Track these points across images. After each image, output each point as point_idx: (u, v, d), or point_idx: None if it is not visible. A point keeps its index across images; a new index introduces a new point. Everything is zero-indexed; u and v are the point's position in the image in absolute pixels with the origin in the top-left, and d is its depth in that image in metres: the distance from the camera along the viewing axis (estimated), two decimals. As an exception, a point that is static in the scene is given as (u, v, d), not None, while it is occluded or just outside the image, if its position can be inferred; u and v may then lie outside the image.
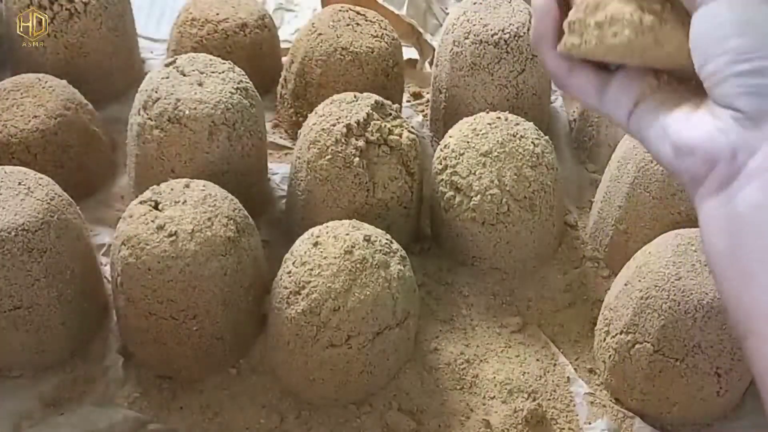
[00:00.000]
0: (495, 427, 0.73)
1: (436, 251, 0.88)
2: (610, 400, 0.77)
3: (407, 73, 1.05)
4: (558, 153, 0.89)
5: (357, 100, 0.81)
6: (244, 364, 0.77)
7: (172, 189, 0.73)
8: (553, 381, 0.77)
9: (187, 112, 0.78)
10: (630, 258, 0.76)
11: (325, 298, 0.67)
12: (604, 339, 0.76)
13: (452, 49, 0.92)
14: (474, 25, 0.91)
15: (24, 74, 0.88)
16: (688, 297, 0.68)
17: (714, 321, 0.68)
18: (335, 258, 0.68)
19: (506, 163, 0.80)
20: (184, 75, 0.81)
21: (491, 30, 0.90)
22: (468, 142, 0.82)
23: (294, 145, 0.89)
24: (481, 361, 0.78)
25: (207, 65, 0.83)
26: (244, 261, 0.72)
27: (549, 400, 0.76)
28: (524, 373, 0.77)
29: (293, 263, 0.70)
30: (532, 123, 0.84)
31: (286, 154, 0.97)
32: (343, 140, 0.78)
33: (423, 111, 1.05)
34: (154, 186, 0.74)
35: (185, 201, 0.71)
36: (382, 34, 0.93)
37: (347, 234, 0.70)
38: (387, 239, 0.72)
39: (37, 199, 0.71)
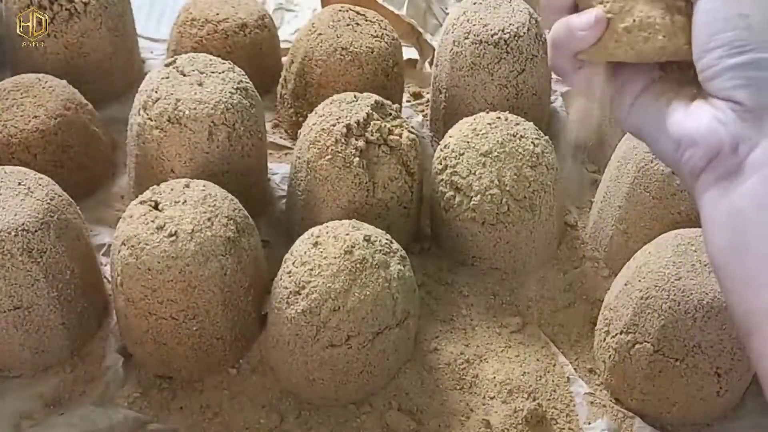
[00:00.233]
0: (495, 427, 0.73)
1: (436, 251, 0.88)
2: (610, 400, 0.77)
3: (407, 73, 1.05)
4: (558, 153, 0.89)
5: (357, 100, 0.81)
6: (244, 364, 0.77)
7: (172, 189, 0.73)
8: (553, 381, 0.77)
9: (186, 112, 0.78)
10: (630, 258, 0.76)
11: (325, 298, 0.67)
12: (604, 339, 0.76)
13: (452, 49, 0.92)
14: (474, 25, 0.91)
15: (24, 74, 0.88)
16: (688, 297, 0.68)
17: (714, 321, 0.68)
18: (335, 258, 0.68)
19: (506, 163, 0.80)
20: (184, 75, 0.81)
21: (491, 30, 0.90)
22: (468, 142, 0.82)
23: (294, 145, 0.89)
24: (481, 361, 0.78)
25: (207, 65, 0.83)
26: (244, 261, 0.72)
27: (549, 400, 0.76)
28: (524, 373, 0.77)
29: (293, 263, 0.70)
30: (532, 123, 0.84)
31: (286, 154, 0.97)
32: (343, 140, 0.78)
33: (423, 111, 1.05)
34: (154, 186, 0.74)
35: (185, 201, 0.71)
36: (382, 34, 0.93)
37: (347, 234, 0.70)
38: (387, 239, 0.72)
39: (37, 199, 0.71)
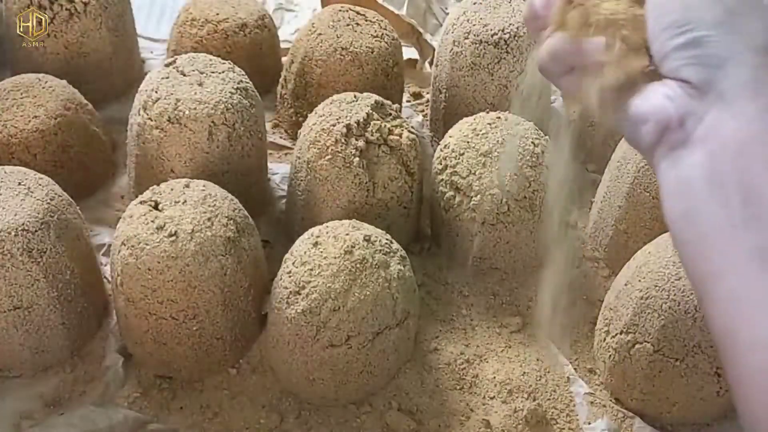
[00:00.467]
0: (495, 427, 0.73)
1: (436, 251, 0.88)
2: (610, 400, 0.77)
3: (407, 73, 1.05)
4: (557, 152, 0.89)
5: (357, 100, 0.81)
6: (244, 364, 0.77)
7: (172, 189, 0.73)
8: (553, 381, 0.77)
9: (186, 112, 0.78)
10: (630, 258, 0.76)
11: (325, 298, 0.67)
12: (604, 339, 0.76)
13: (452, 49, 0.92)
14: (474, 25, 0.91)
15: (24, 74, 0.88)
16: (688, 297, 0.68)
17: (714, 321, 0.68)
18: (335, 258, 0.68)
19: (506, 163, 0.80)
20: (184, 75, 0.81)
21: (491, 30, 0.90)
22: (468, 142, 0.82)
23: (294, 145, 0.89)
24: (481, 361, 0.78)
25: (207, 65, 0.83)
26: (244, 261, 0.72)
27: (549, 400, 0.76)
28: (524, 373, 0.77)
29: (293, 263, 0.70)
30: (532, 123, 0.84)
31: (286, 154, 0.97)
32: (343, 140, 0.78)
33: (423, 111, 1.05)
34: (154, 186, 0.74)
35: (185, 201, 0.71)
36: (382, 34, 0.93)
37: (347, 234, 0.70)
38: (387, 239, 0.72)
39: (37, 199, 0.71)
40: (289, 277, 0.69)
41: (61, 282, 0.72)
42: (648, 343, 0.71)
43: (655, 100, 0.41)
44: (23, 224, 0.69)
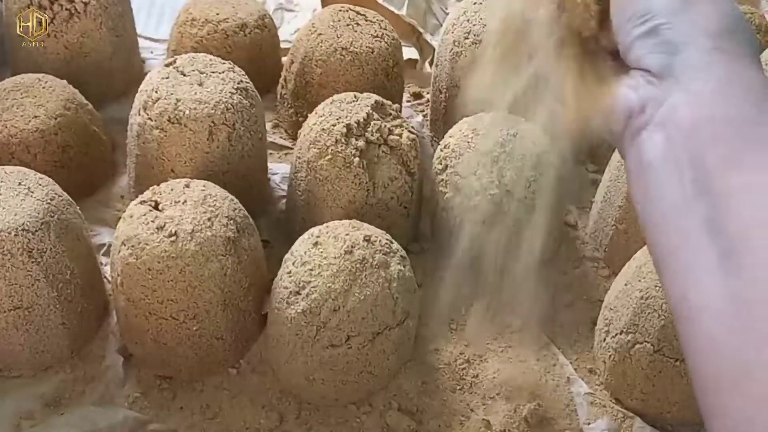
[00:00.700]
0: (495, 427, 0.73)
1: (436, 251, 0.88)
2: (610, 400, 0.77)
3: (407, 73, 1.05)
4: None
5: (357, 100, 0.81)
6: (244, 364, 0.77)
7: (172, 189, 0.73)
8: (553, 381, 0.77)
9: (187, 112, 0.78)
10: (630, 258, 0.76)
11: (325, 298, 0.67)
12: (604, 339, 0.76)
13: (452, 49, 0.92)
14: (474, 25, 0.91)
15: (24, 74, 0.88)
16: (688, 297, 0.68)
17: (714, 321, 0.68)
18: (335, 258, 0.68)
19: (506, 163, 0.80)
20: (184, 75, 0.81)
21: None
22: (468, 142, 0.82)
23: (294, 145, 0.89)
24: (481, 361, 0.78)
25: (207, 65, 0.83)
26: (244, 261, 0.72)
27: (549, 400, 0.76)
28: (524, 373, 0.77)
29: (293, 263, 0.70)
30: (532, 123, 0.84)
31: (286, 154, 0.97)
32: (343, 140, 0.78)
33: (423, 111, 1.05)
34: (154, 186, 0.74)
35: (185, 201, 0.71)
36: (382, 34, 0.93)
37: (347, 234, 0.70)
38: (387, 239, 0.72)
39: (37, 199, 0.71)
40: (289, 277, 0.69)
41: (61, 282, 0.72)
42: (648, 343, 0.71)
43: (619, 91, 0.43)
44: (23, 224, 0.69)
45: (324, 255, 0.69)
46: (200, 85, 0.80)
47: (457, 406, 0.75)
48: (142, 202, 0.72)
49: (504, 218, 0.81)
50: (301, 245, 0.71)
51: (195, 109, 0.79)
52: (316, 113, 0.82)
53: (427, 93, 1.05)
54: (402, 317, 0.71)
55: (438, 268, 0.86)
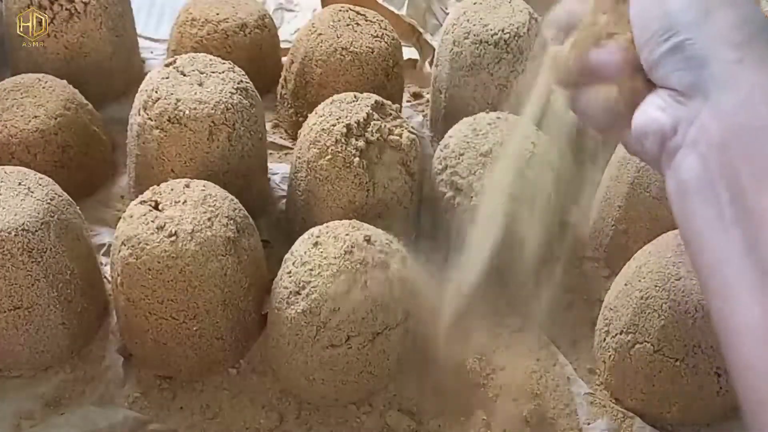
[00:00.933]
0: (495, 427, 0.73)
1: (436, 251, 0.88)
2: (610, 400, 0.77)
3: (407, 73, 1.05)
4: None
5: (357, 100, 0.81)
6: (244, 364, 0.77)
7: (172, 189, 0.73)
8: (553, 381, 0.77)
9: (187, 112, 0.78)
10: (630, 258, 0.76)
11: (325, 298, 0.67)
12: (604, 339, 0.76)
13: (452, 49, 0.92)
14: (474, 25, 0.91)
15: (24, 74, 0.88)
16: (688, 297, 0.68)
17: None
18: (335, 258, 0.68)
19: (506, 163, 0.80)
20: (184, 75, 0.81)
21: (491, 30, 0.90)
22: (468, 142, 0.82)
23: (294, 145, 0.89)
24: (482, 361, 0.78)
25: (207, 65, 0.83)
26: (244, 261, 0.72)
27: (549, 400, 0.76)
28: (524, 373, 0.77)
29: (293, 263, 0.70)
30: (532, 123, 0.84)
31: (286, 154, 0.97)
32: (343, 140, 0.78)
33: (423, 111, 1.04)
34: (154, 186, 0.74)
35: (185, 201, 0.71)
36: (382, 34, 0.93)
37: (347, 234, 0.70)
38: (387, 239, 0.72)
39: (37, 199, 0.71)
40: (289, 277, 0.69)
41: (61, 282, 0.72)
42: (648, 343, 0.71)
43: (650, 113, 0.42)
44: (23, 224, 0.69)
45: (324, 255, 0.69)
46: (200, 85, 0.80)
47: (457, 406, 0.75)
48: (142, 202, 0.72)
49: (504, 218, 0.81)
50: (301, 245, 0.71)
51: (195, 109, 0.79)
52: (316, 113, 0.82)
53: (427, 93, 1.05)
54: (402, 317, 0.71)
55: (438, 268, 0.86)
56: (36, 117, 0.84)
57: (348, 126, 0.78)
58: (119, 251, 0.70)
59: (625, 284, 0.73)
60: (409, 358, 0.77)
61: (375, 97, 0.82)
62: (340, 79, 0.91)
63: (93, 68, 0.97)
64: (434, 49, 1.05)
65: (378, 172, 0.79)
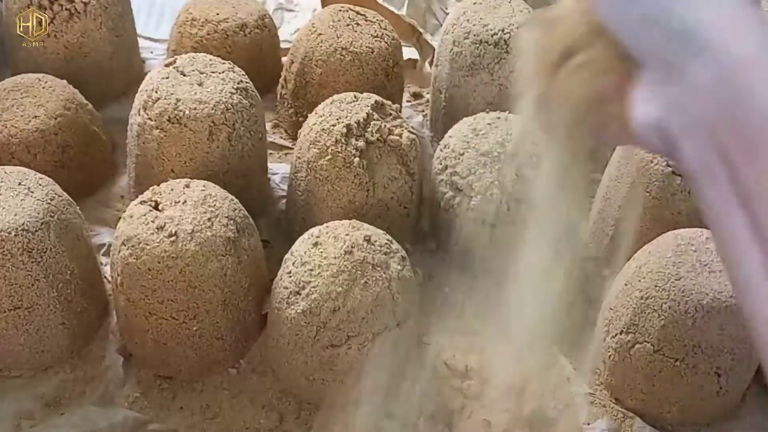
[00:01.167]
0: (495, 427, 0.73)
1: (436, 251, 0.88)
2: (610, 400, 0.77)
3: (407, 73, 1.05)
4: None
5: (357, 100, 0.81)
6: (244, 364, 0.77)
7: (172, 189, 0.73)
8: (553, 381, 0.77)
9: (187, 112, 0.78)
10: (630, 258, 0.76)
11: (325, 298, 0.67)
12: (604, 339, 0.76)
13: (452, 49, 0.92)
14: (474, 25, 0.91)
15: (24, 74, 0.88)
16: (688, 297, 0.68)
17: (714, 321, 0.68)
18: (335, 258, 0.68)
19: (506, 163, 0.80)
20: (184, 75, 0.81)
21: (491, 30, 0.90)
22: (468, 142, 0.82)
23: (294, 145, 0.89)
24: (482, 361, 0.78)
25: (207, 65, 0.83)
26: (244, 261, 0.72)
27: (549, 400, 0.76)
28: (524, 373, 0.77)
29: (293, 263, 0.70)
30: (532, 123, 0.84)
31: (286, 154, 0.97)
32: (343, 140, 0.78)
33: (423, 111, 1.04)
34: (154, 186, 0.74)
35: (185, 201, 0.71)
36: (382, 34, 0.93)
37: (347, 234, 0.70)
38: (387, 239, 0.72)
39: (37, 199, 0.71)
40: (289, 277, 0.69)
41: (61, 282, 0.72)
42: (648, 343, 0.71)
43: (638, 112, 0.42)
44: (23, 224, 0.69)
45: (324, 255, 0.69)
46: (200, 85, 0.80)
47: (458, 405, 0.75)
48: (142, 202, 0.72)
49: (504, 218, 0.81)
50: (301, 245, 0.71)
51: (195, 109, 0.79)
52: (316, 113, 0.82)
53: (427, 93, 1.05)
54: (402, 318, 0.71)
55: (438, 268, 0.86)
56: (36, 117, 0.84)
57: (348, 126, 0.78)
58: (119, 251, 0.70)
59: (625, 284, 0.73)
60: (409, 358, 0.77)
61: (375, 97, 0.82)
62: (340, 79, 0.91)
63: (93, 68, 0.97)
64: (434, 49, 1.05)
65: (378, 172, 0.79)
